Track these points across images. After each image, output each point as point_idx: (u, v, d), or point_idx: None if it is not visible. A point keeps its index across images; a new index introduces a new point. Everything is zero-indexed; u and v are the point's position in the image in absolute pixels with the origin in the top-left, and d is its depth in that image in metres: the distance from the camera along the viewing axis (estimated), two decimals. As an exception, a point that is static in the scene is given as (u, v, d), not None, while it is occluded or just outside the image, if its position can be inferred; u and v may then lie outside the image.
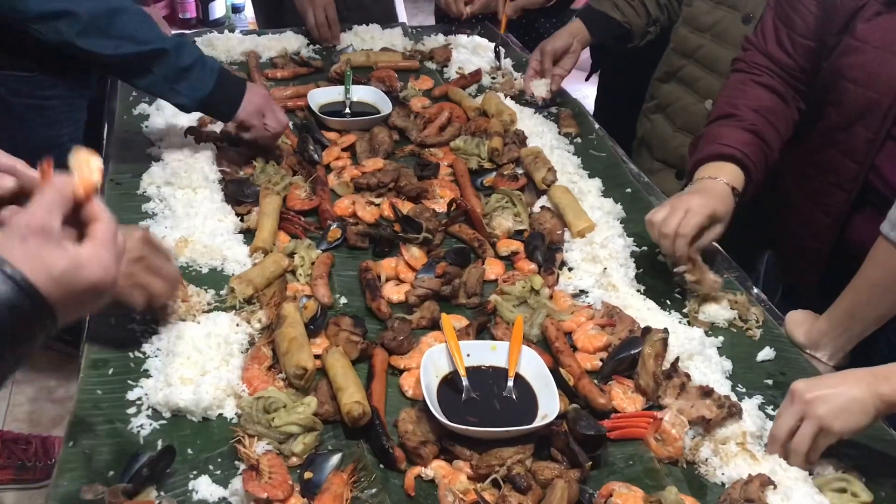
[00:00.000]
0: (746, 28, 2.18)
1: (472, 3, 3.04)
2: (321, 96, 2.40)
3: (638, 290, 1.71)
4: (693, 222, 1.65)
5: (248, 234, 1.81)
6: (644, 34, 2.53)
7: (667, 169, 2.46)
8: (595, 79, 3.25)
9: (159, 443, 1.29)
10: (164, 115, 2.24)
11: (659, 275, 1.78)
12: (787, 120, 1.84)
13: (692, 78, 2.36)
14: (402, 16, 3.47)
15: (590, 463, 1.27)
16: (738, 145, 1.76)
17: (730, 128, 1.80)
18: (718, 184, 1.73)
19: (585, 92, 3.29)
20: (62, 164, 2.90)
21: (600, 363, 1.52)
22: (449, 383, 1.42)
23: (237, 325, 1.51)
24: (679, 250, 1.66)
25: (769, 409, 1.44)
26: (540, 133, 2.30)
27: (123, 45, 1.84)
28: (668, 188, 2.44)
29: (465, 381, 1.40)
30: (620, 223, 1.92)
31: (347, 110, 2.36)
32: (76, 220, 0.93)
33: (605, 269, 1.73)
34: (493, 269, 1.76)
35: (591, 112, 2.71)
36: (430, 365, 1.42)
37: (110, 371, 1.42)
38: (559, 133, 2.35)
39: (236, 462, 1.27)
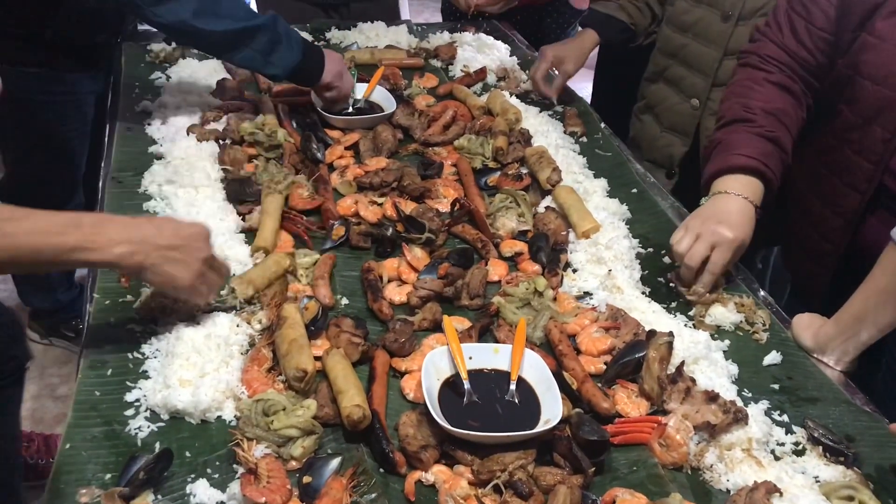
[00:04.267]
0: (726, 26, 2.18)
1: None
2: (325, 94, 2.38)
3: (643, 293, 1.69)
4: (722, 261, 1.63)
5: (250, 233, 1.79)
6: (648, 34, 2.52)
7: (656, 168, 2.45)
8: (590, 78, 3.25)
9: (157, 445, 1.28)
10: (166, 112, 2.22)
11: (664, 277, 1.76)
12: (798, 121, 1.81)
13: (677, 77, 2.36)
14: (406, 13, 3.45)
15: (593, 468, 1.26)
16: (757, 156, 1.70)
17: (746, 135, 1.74)
18: (739, 202, 1.67)
19: (590, 91, 3.27)
20: (69, 159, 2.91)
21: (604, 367, 1.50)
22: (451, 386, 1.40)
23: (237, 325, 1.50)
24: (704, 286, 1.66)
25: (776, 415, 1.42)
26: (545, 132, 2.28)
27: (229, 23, 2.01)
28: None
29: (466, 385, 1.38)
30: (626, 224, 1.90)
31: (351, 108, 2.34)
32: None
33: (610, 270, 1.71)
34: (497, 270, 1.74)
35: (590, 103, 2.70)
36: (431, 368, 1.40)
37: (109, 372, 1.41)
38: (564, 132, 2.33)
39: (235, 465, 1.26)
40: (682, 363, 1.44)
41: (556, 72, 2.47)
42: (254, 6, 3.64)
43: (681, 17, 2.30)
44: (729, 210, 1.67)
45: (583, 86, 3.22)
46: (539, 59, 2.50)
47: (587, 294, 1.70)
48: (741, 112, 1.79)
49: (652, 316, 1.59)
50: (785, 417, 1.42)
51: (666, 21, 2.38)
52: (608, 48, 2.85)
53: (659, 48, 2.43)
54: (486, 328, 1.56)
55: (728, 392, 1.42)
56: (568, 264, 1.78)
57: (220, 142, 2.10)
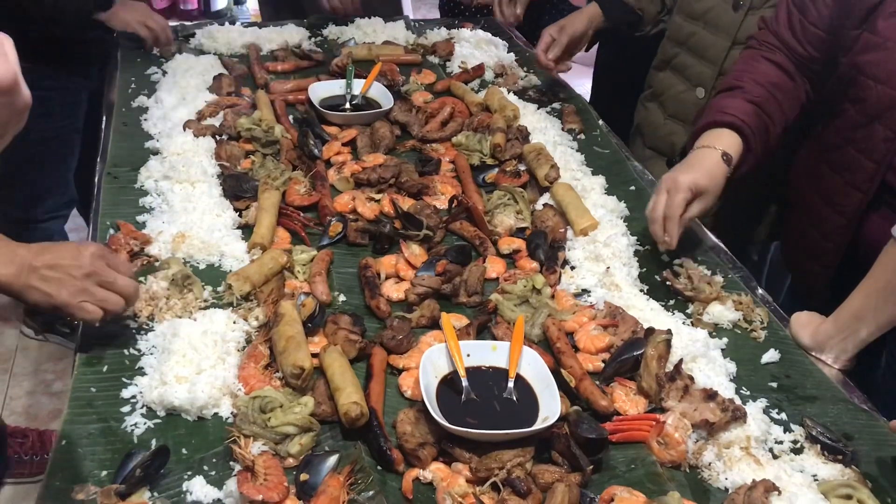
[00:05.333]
0: (736, 15, 2.18)
1: None
2: (322, 90, 2.37)
3: (641, 290, 1.69)
4: (676, 202, 1.67)
5: (247, 229, 1.78)
6: (656, 22, 2.51)
7: (657, 157, 2.45)
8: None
9: (153, 442, 1.27)
10: (163, 108, 2.21)
11: (660, 275, 1.76)
12: (792, 98, 1.84)
13: (684, 65, 2.36)
14: (409, 10, 3.45)
15: (591, 466, 1.25)
16: (737, 113, 1.77)
17: (733, 99, 1.81)
18: (708, 151, 1.73)
19: (589, 87, 3.26)
20: (58, 155, 2.88)
21: (602, 364, 1.49)
22: (448, 383, 1.40)
23: (234, 322, 1.49)
24: (670, 233, 1.68)
25: (774, 413, 1.42)
26: (543, 129, 2.28)
27: None
28: (658, 175, 2.44)
29: (465, 382, 1.38)
30: (624, 221, 1.90)
31: (348, 104, 2.34)
32: None
33: (608, 268, 1.71)
34: (495, 267, 1.74)
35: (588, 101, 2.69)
36: (429, 365, 1.39)
37: (104, 368, 1.40)
38: (562, 129, 2.33)
39: (231, 463, 1.25)
40: (681, 361, 1.44)
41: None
42: (253, 1, 3.63)
43: (692, 6, 2.30)
44: (692, 160, 1.74)
45: (581, 82, 3.22)
46: (545, 31, 2.49)
47: (585, 291, 1.69)
48: (731, 82, 1.86)
49: (650, 314, 1.59)
50: (783, 416, 1.42)
51: (677, 9, 2.37)
52: (608, 42, 2.84)
53: (668, 36, 2.42)
54: (484, 325, 1.56)
55: (726, 390, 1.42)
56: (566, 261, 1.78)
57: (217, 137, 2.09)
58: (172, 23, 2.78)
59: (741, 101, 1.79)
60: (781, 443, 1.36)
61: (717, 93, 1.90)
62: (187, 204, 1.80)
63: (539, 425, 1.30)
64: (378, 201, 1.91)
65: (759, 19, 1.97)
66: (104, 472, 1.21)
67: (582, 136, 2.32)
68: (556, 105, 2.51)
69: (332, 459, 1.25)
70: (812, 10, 1.78)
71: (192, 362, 1.36)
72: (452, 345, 1.42)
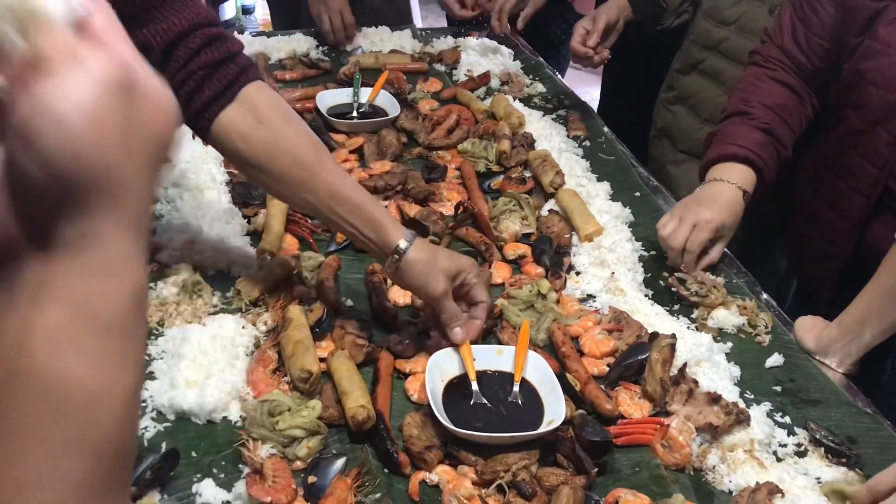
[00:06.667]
0: (773, 20, 2.17)
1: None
2: (330, 98, 2.39)
3: (646, 295, 1.70)
4: (700, 239, 1.69)
5: (255, 236, 1.80)
6: (679, 14, 2.50)
7: (691, 160, 2.45)
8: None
9: (163, 445, 1.29)
10: (172, 116, 2.24)
11: (664, 280, 1.77)
12: (801, 116, 1.85)
13: (715, 70, 2.35)
14: (418, 20, 3.46)
15: (596, 469, 1.26)
16: (750, 146, 1.76)
17: (743, 126, 1.81)
18: (728, 188, 1.73)
19: (594, 94, 3.28)
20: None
21: (607, 368, 1.50)
22: (455, 387, 1.41)
23: (243, 327, 1.51)
24: (687, 266, 1.71)
25: (778, 417, 1.43)
26: (548, 136, 2.29)
27: None
28: (692, 178, 2.44)
29: (474, 386, 1.39)
30: (629, 227, 1.91)
31: (355, 112, 2.36)
32: None
33: (613, 273, 1.72)
34: (500, 272, 1.75)
35: (597, 109, 2.70)
36: (435, 369, 1.41)
37: (116, 373, 1.42)
38: (568, 136, 2.34)
39: (240, 465, 1.27)
40: (685, 365, 1.45)
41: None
42: (261, 10, 3.65)
43: (723, 12, 2.30)
44: (713, 194, 1.75)
45: (587, 90, 3.24)
46: (579, 24, 2.47)
47: (590, 296, 1.71)
48: (740, 105, 1.85)
49: (655, 318, 1.60)
50: (787, 419, 1.43)
51: (704, 15, 2.37)
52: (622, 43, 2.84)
53: (693, 40, 2.42)
54: (489, 330, 1.57)
55: (730, 394, 1.43)
56: (571, 267, 1.79)
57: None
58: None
59: (751, 129, 1.79)
60: (785, 446, 1.37)
61: (725, 116, 1.89)
62: (197, 211, 1.82)
63: (544, 428, 1.31)
64: (385, 208, 1.92)
65: (763, 32, 1.96)
66: (115, 475, 1.23)
67: (587, 143, 2.34)
68: (562, 112, 2.52)
69: (340, 462, 1.27)
70: (815, 20, 1.79)
71: (201, 367, 1.38)
72: (464, 349, 1.43)
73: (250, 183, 1.87)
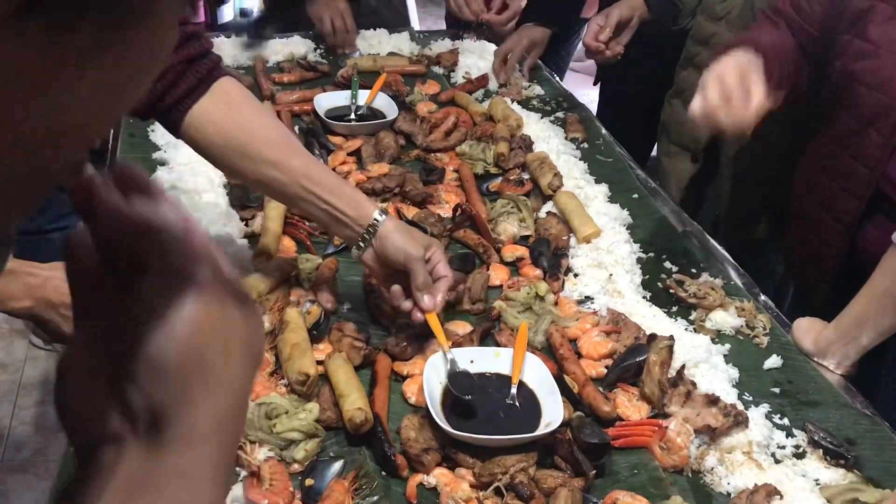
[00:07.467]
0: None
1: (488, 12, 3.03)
2: (328, 101, 2.39)
3: (644, 297, 1.70)
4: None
5: (253, 238, 1.80)
6: (694, 14, 2.50)
7: (682, 152, 2.46)
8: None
9: (161, 448, 1.29)
10: (170, 119, 2.24)
11: (662, 282, 1.77)
12: (797, 61, 1.76)
13: (706, 63, 2.34)
14: (416, 22, 3.46)
15: (594, 471, 1.26)
16: (757, 40, 1.66)
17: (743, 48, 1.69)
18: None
19: (592, 97, 3.27)
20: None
21: (605, 370, 1.50)
22: (452, 390, 1.41)
23: (240, 330, 1.50)
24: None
25: (776, 418, 1.43)
26: (546, 138, 2.29)
27: None
28: (682, 169, 2.44)
29: (449, 355, 1.40)
30: (627, 229, 1.91)
31: (353, 115, 2.36)
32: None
33: (611, 275, 1.72)
34: (498, 274, 1.75)
35: (596, 112, 2.70)
36: (432, 371, 1.41)
37: (113, 376, 1.42)
38: (566, 138, 2.34)
39: (237, 468, 1.26)
40: (683, 367, 1.45)
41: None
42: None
43: (714, 7, 2.31)
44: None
45: (585, 92, 3.24)
46: (592, 20, 2.47)
47: (588, 298, 1.70)
48: (741, 43, 1.72)
49: (653, 320, 1.60)
50: (785, 421, 1.43)
51: (700, 10, 2.38)
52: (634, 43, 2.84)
53: (692, 35, 2.43)
54: (487, 332, 1.57)
55: (728, 395, 1.43)
56: (569, 269, 1.79)
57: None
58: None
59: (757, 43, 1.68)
60: (784, 447, 1.37)
61: (723, 47, 1.78)
62: (194, 214, 1.82)
63: (542, 430, 1.31)
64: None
65: (759, 12, 1.94)
66: (112, 478, 1.23)
67: (585, 146, 2.34)
68: (560, 114, 2.52)
69: (337, 465, 1.26)
70: (806, 8, 1.77)
71: (198, 369, 1.37)
72: (433, 318, 1.44)
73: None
